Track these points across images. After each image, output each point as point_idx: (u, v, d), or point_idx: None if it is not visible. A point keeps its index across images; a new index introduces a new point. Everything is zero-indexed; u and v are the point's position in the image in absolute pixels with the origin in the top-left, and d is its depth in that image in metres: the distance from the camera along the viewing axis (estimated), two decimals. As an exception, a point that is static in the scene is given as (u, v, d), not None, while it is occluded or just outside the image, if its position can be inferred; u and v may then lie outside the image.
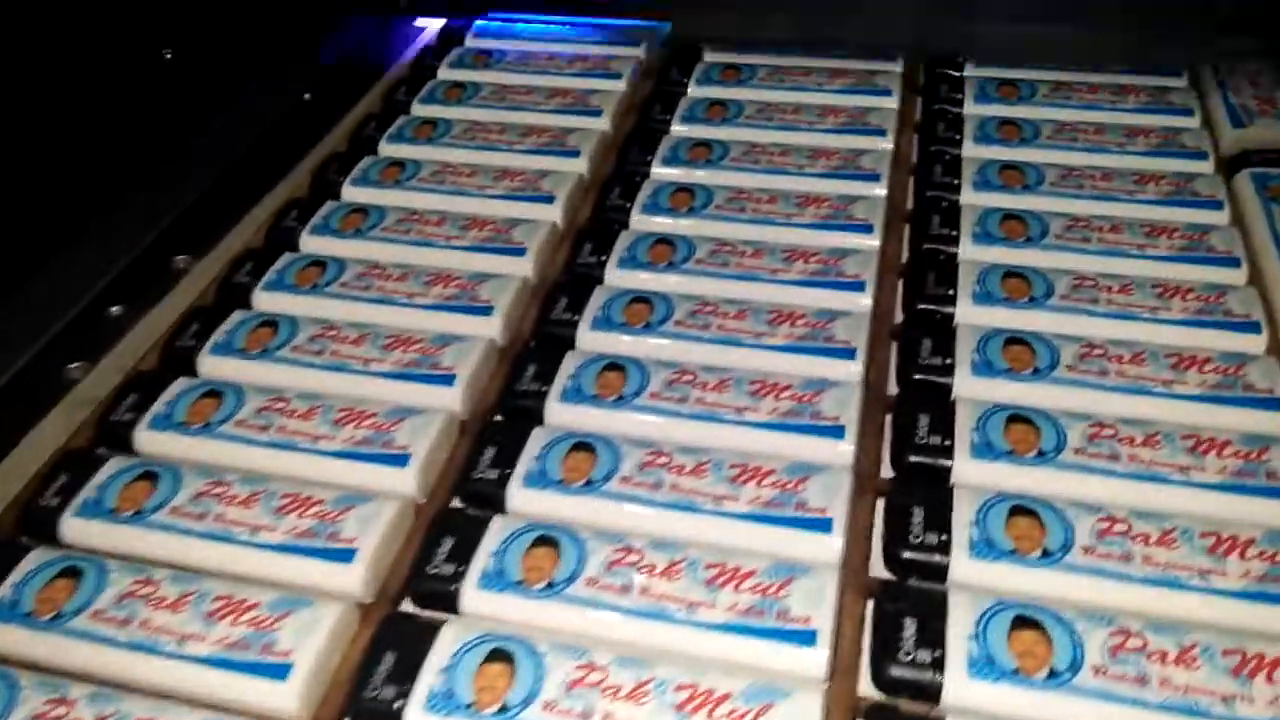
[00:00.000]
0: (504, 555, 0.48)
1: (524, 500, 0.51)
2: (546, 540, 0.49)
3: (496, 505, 0.52)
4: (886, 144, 0.73)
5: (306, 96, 0.85)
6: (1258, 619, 0.44)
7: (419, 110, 0.81)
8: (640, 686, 0.43)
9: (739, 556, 0.47)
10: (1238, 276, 0.60)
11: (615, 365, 0.57)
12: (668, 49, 0.86)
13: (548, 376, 0.57)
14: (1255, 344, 0.56)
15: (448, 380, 0.57)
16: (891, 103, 0.77)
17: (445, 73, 0.85)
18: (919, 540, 0.47)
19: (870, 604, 0.46)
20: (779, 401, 0.54)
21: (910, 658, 0.43)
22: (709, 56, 0.84)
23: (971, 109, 0.76)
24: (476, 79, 0.84)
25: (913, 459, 0.51)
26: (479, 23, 0.92)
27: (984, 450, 0.51)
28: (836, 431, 0.52)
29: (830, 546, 0.48)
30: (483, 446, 0.54)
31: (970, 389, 0.54)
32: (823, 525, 0.48)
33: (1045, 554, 0.46)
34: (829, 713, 0.42)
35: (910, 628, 0.44)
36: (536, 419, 0.56)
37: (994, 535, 0.47)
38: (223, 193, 0.74)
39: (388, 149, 0.76)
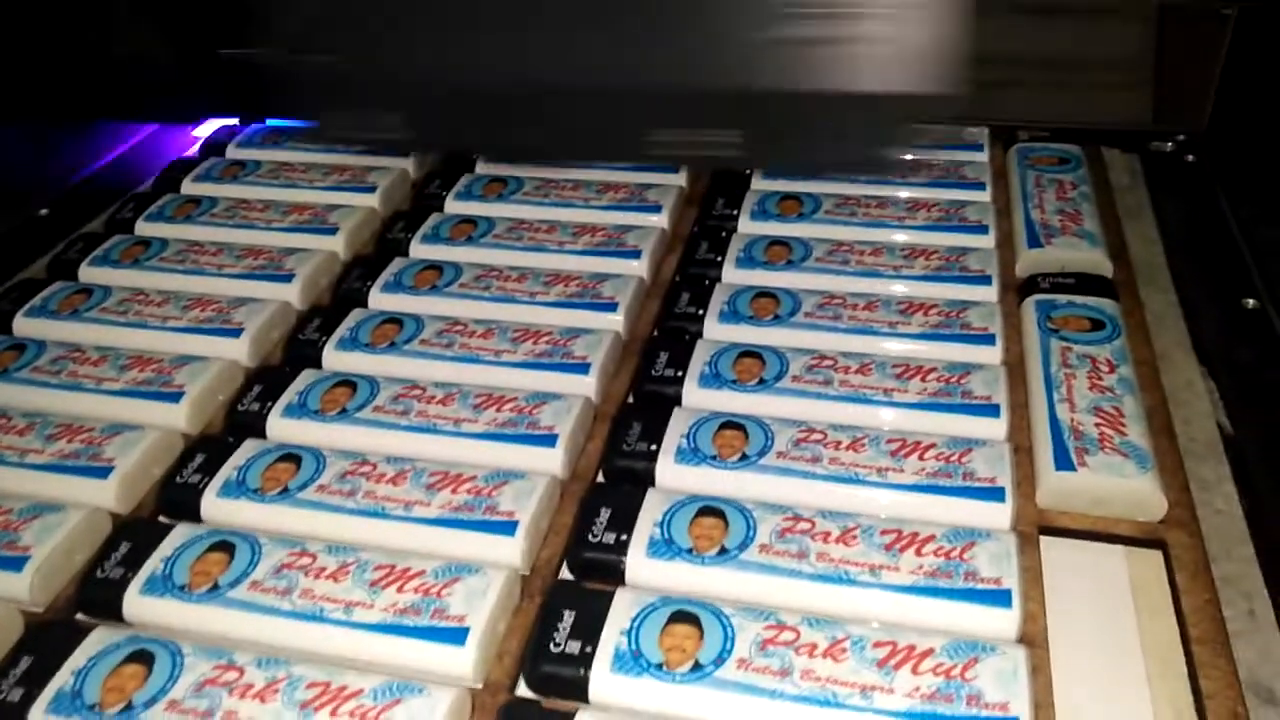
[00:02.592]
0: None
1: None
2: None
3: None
4: (639, 267, 0.65)
5: (43, 212, 0.78)
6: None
7: (141, 229, 0.73)
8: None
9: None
10: (995, 429, 0.51)
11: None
12: (442, 160, 0.79)
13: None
14: (1000, 513, 0.47)
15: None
16: (659, 220, 0.69)
17: (187, 186, 0.77)
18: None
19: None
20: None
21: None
22: (481, 168, 0.77)
23: (745, 227, 0.69)
24: (214, 193, 0.76)
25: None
26: (251, 128, 0.84)
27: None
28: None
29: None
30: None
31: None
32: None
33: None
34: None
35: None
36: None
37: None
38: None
39: (88, 273, 0.68)
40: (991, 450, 0.49)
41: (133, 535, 0.48)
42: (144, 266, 0.68)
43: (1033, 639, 0.42)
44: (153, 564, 0.47)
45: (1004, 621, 0.42)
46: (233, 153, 0.82)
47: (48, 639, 0.44)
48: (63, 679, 0.42)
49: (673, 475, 0.50)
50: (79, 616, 0.47)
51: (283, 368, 0.60)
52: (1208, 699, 0.40)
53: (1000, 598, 0.43)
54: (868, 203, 0.69)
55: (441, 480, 0.49)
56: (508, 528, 0.47)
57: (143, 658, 0.42)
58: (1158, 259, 0.66)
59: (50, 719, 0.41)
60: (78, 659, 0.43)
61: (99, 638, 0.43)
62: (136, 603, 0.45)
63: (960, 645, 0.41)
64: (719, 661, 0.41)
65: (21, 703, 0.41)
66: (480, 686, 0.42)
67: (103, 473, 0.52)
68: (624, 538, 0.46)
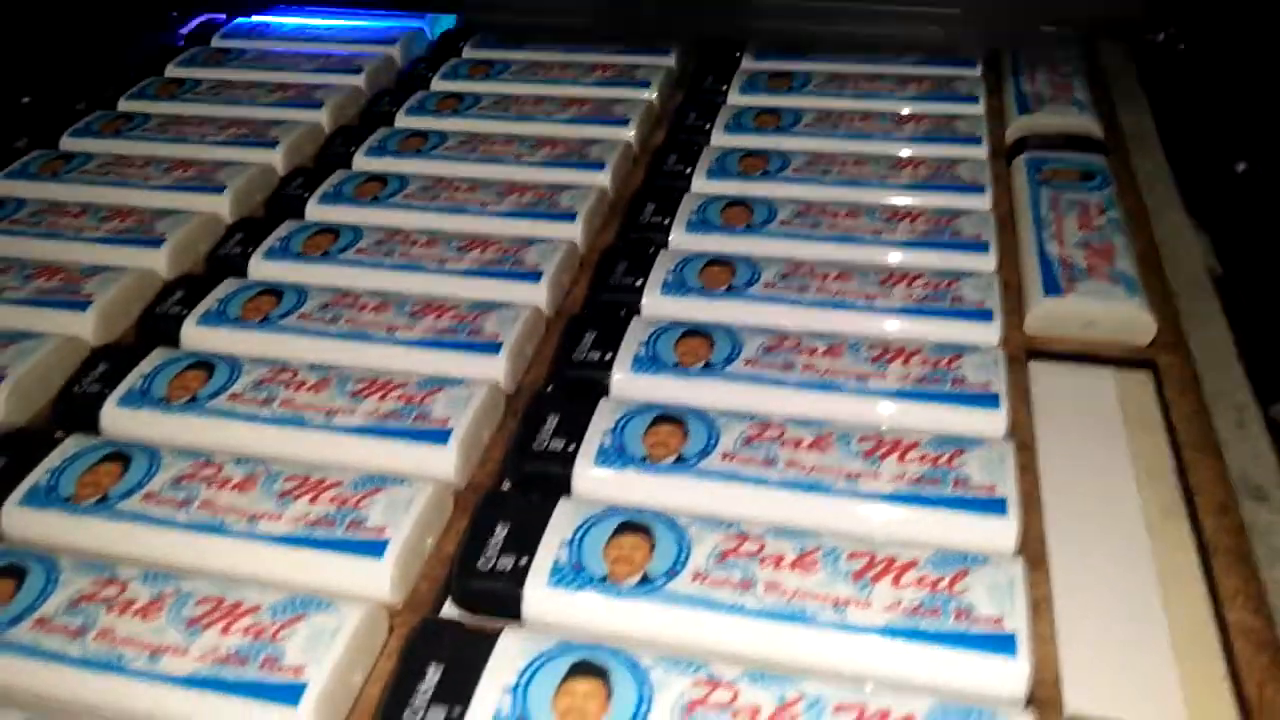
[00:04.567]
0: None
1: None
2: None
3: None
4: (626, 133, 0.63)
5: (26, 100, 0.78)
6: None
7: (124, 105, 0.72)
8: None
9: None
10: (984, 263, 0.51)
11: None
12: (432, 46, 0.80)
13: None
14: (988, 333, 0.47)
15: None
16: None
17: (171, 70, 0.76)
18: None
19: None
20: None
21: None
22: (468, 53, 0.77)
23: (734, 99, 0.68)
24: (198, 75, 0.75)
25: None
26: (237, 21, 0.84)
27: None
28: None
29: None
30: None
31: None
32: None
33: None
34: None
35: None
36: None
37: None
38: None
39: (69, 143, 0.67)
40: (980, 279, 0.49)
41: (110, 357, 0.48)
42: (126, 136, 0.67)
43: (1022, 443, 0.42)
44: (131, 380, 0.46)
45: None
46: (218, 43, 0.81)
47: (23, 444, 0.43)
48: (37, 476, 0.41)
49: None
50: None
51: (264, 220, 0.59)
52: (1197, 494, 0.40)
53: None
54: (857, 78, 0.69)
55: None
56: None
57: (119, 458, 0.42)
58: (1149, 131, 0.66)
59: (23, 511, 0.40)
60: (53, 459, 0.42)
61: (75, 441, 0.43)
62: (114, 414, 0.45)
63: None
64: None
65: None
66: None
67: (81, 305, 0.51)
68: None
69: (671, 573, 0.36)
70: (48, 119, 0.70)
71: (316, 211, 0.58)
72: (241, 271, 0.54)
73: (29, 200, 0.60)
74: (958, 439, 0.40)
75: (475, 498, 0.41)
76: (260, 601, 0.36)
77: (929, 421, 0.42)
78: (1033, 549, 0.38)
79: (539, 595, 0.36)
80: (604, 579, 0.36)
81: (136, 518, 0.39)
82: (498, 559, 0.37)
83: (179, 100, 0.71)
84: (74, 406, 0.46)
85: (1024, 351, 0.47)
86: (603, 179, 0.60)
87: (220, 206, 0.60)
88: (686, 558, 0.36)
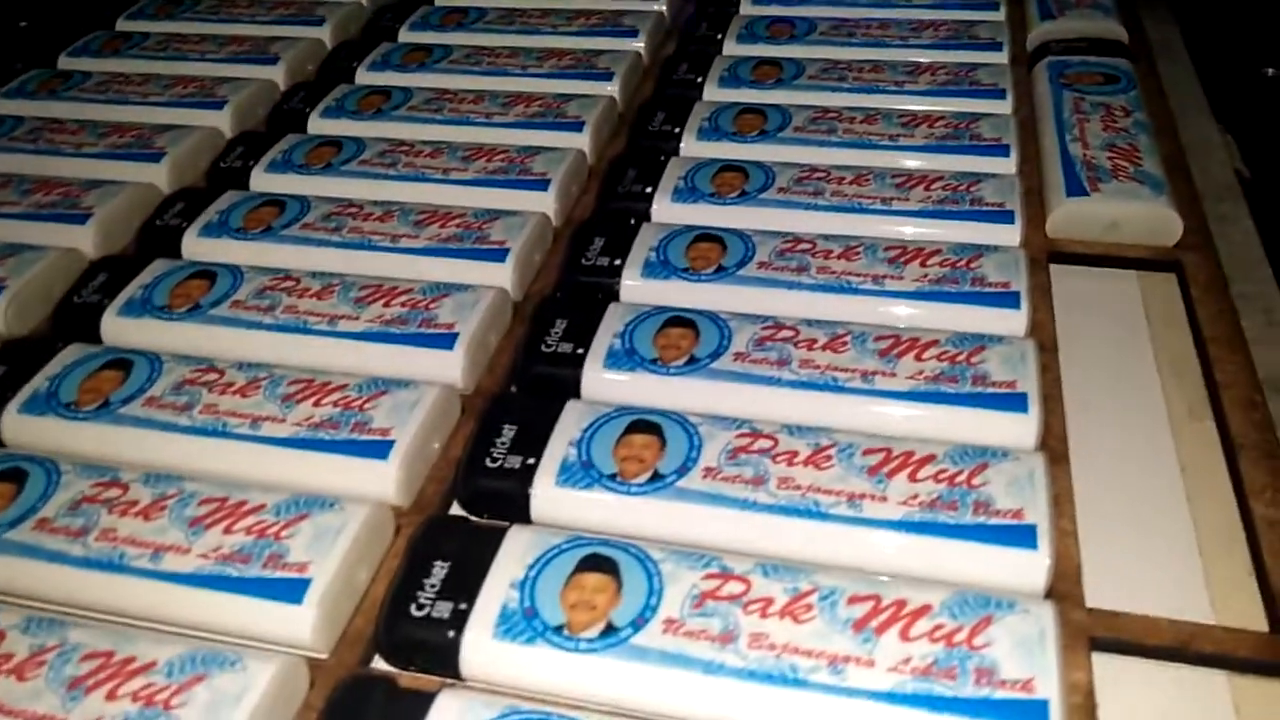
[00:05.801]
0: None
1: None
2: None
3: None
4: (635, 44, 0.62)
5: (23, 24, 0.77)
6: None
7: (122, 25, 0.70)
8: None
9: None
10: (1004, 166, 0.49)
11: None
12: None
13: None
14: (1008, 234, 0.45)
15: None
16: (656, 6, 0.66)
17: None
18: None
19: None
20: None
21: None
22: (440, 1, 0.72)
23: (745, 9, 0.66)
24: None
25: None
26: None
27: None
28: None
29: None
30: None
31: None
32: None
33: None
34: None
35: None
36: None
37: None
38: None
39: (67, 62, 0.66)
40: (1000, 181, 0.47)
41: (110, 268, 0.47)
42: (125, 55, 0.66)
43: (1043, 344, 0.40)
44: (131, 290, 0.45)
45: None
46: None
47: (24, 354, 0.43)
48: (37, 384, 0.41)
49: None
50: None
51: (265, 135, 0.57)
52: (1224, 390, 0.39)
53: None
54: (875, -13, 0.67)
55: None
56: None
57: (120, 364, 0.41)
58: (1174, 38, 0.64)
59: (23, 418, 0.40)
60: (53, 367, 0.41)
61: (76, 349, 0.42)
62: (114, 323, 0.44)
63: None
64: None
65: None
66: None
67: (81, 219, 0.50)
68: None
69: (682, 470, 0.35)
70: (45, 41, 0.69)
71: (319, 125, 0.57)
72: (243, 185, 0.53)
73: (26, 118, 0.59)
74: (978, 336, 0.39)
75: (483, 403, 0.40)
76: (264, 501, 0.35)
77: (948, 322, 0.41)
78: (1054, 447, 0.37)
79: (547, 494, 0.35)
80: (613, 476, 0.35)
81: (138, 422, 0.39)
82: (505, 459, 0.36)
83: (178, 19, 0.70)
84: (74, 316, 0.45)
85: (1045, 254, 0.46)
86: (611, 89, 0.58)
87: (221, 121, 0.58)
88: (697, 455, 0.36)
